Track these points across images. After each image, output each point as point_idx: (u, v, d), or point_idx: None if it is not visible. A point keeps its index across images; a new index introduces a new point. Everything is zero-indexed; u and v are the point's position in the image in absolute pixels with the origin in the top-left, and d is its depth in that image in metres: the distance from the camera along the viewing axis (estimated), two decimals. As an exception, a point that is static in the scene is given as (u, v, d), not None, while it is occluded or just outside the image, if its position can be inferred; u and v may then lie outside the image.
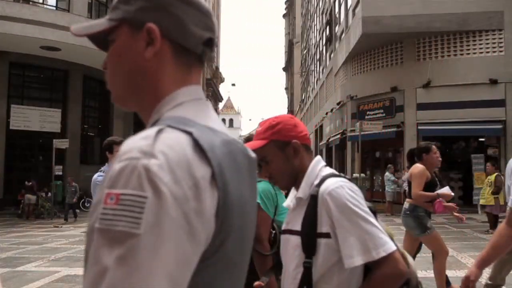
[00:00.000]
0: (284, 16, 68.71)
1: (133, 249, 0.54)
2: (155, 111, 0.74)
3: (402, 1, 13.99)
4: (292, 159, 1.47)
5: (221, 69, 59.70)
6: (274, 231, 2.13)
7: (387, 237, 1.31)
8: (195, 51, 0.76)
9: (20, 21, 12.69)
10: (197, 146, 0.62)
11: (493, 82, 13.61)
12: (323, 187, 1.37)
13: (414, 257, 4.26)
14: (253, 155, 0.79)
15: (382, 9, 14.07)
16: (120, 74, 0.76)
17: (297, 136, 1.48)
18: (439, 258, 4.29)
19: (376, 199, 15.65)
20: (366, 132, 14.36)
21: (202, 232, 0.60)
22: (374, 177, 17.35)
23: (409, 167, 4.75)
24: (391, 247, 1.28)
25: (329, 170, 1.48)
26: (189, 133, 0.63)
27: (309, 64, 38.92)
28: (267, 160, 1.49)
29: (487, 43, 13.95)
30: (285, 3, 65.33)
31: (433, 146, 4.31)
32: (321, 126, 27.34)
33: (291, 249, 1.42)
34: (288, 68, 64.67)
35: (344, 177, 1.44)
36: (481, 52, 14.01)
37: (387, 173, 14.39)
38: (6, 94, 14.64)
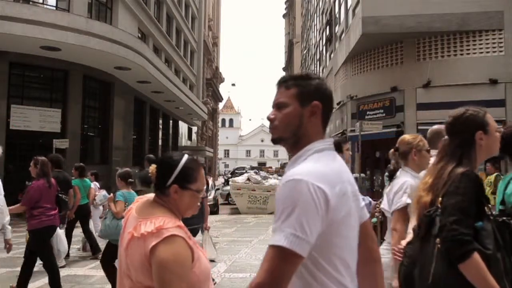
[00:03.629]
0: (284, 16, 68.74)
1: None
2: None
3: (402, 1, 13.99)
4: None
5: (221, 69, 59.78)
6: None
7: None
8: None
9: (20, 21, 12.67)
10: None
11: (493, 82, 13.61)
12: None
13: None
14: None
15: (382, 9, 14.08)
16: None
17: None
18: None
19: (376, 199, 15.63)
20: (366, 132, 14.35)
21: None
22: (374, 177, 17.35)
23: None
24: None
25: None
26: None
27: (309, 64, 38.92)
28: None
29: (487, 43, 13.94)
30: (285, 3, 65.36)
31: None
32: (321, 126, 27.32)
33: None
34: (288, 68, 64.65)
35: None
36: (481, 52, 14.00)
37: (387, 173, 14.38)
38: (6, 94, 14.59)
